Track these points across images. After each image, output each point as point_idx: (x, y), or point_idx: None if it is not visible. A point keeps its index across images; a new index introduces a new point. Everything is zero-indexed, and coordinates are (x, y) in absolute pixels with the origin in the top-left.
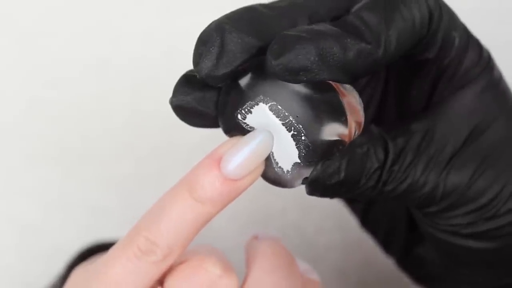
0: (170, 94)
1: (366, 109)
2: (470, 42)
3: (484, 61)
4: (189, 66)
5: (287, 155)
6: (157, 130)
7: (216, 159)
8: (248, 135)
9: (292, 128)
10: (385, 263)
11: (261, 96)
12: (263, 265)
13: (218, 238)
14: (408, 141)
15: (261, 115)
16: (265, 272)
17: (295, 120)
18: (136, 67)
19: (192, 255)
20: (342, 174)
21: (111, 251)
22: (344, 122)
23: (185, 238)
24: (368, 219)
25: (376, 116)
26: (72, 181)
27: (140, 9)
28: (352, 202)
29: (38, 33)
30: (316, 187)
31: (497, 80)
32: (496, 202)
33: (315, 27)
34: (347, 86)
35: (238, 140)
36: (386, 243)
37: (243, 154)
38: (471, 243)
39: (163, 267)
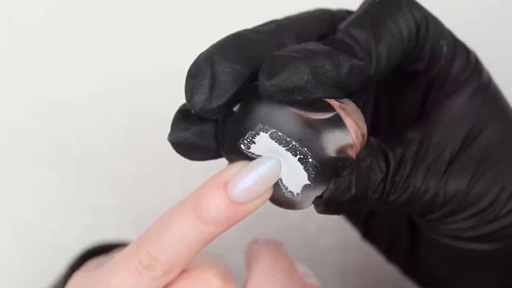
0: (170, 95)
1: None
2: (457, 47)
3: (472, 64)
4: (189, 66)
5: (297, 178)
6: (157, 130)
7: (223, 181)
8: (256, 160)
9: (298, 152)
10: (386, 264)
11: (260, 125)
12: (263, 270)
13: (219, 239)
14: (406, 150)
15: (264, 144)
16: (265, 277)
17: (298, 144)
18: (136, 67)
19: (192, 265)
20: (353, 190)
21: (113, 261)
22: (348, 136)
23: (186, 256)
24: (370, 230)
25: (369, 129)
26: (72, 181)
27: (140, 9)
28: (352, 216)
29: (38, 33)
30: (330, 206)
31: (486, 83)
32: (496, 204)
33: (305, 46)
34: (344, 99)
35: (245, 164)
36: (389, 252)
37: (250, 179)
38: (474, 246)
39: (163, 283)
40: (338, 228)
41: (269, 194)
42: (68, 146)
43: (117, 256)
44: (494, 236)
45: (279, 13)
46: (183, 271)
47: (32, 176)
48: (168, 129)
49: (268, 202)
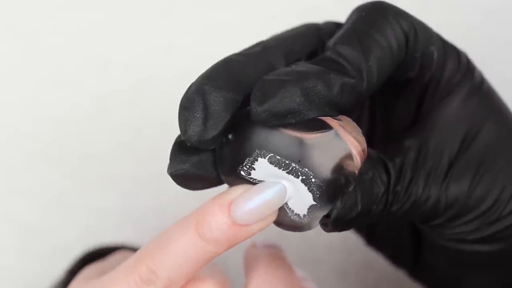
0: (170, 95)
1: None
2: (447, 50)
3: (463, 66)
4: (189, 66)
5: (302, 200)
6: (157, 130)
7: (227, 202)
8: (262, 184)
9: (299, 173)
10: (386, 264)
11: (257, 151)
12: (262, 278)
13: None
14: (405, 158)
15: (264, 169)
16: (264, 285)
17: (298, 165)
18: (136, 67)
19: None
20: (359, 206)
21: (113, 274)
22: (348, 152)
23: (186, 272)
24: (374, 237)
25: (366, 140)
26: (72, 182)
27: (140, 9)
28: None
29: (38, 33)
30: (339, 224)
31: (479, 83)
32: (498, 205)
33: (295, 68)
34: (340, 116)
35: (249, 187)
36: (395, 258)
37: (254, 203)
38: (478, 247)
39: None
40: None
41: (273, 217)
42: (68, 147)
43: (117, 269)
44: (497, 236)
45: (280, 13)
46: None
47: (32, 176)
48: (168, 130)
49: None
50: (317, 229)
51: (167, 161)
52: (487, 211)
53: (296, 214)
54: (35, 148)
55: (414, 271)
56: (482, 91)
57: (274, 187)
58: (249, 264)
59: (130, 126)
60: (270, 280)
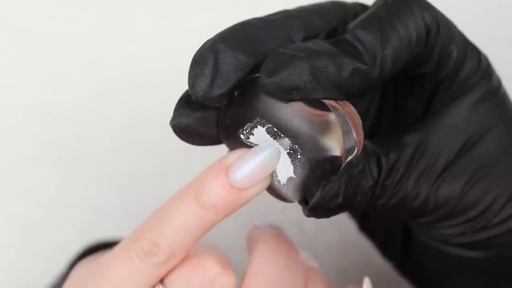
0: (168, 94)
1: (362, 121)
2: (468, 51)
3: (482, 69)
4: (188, 65)
5: (284, 169)
6: (156, 129)
7: (224, 167)
8: (256, 147)
9: (289, 147)
10: (383, 261)
11: (258, 119)
12: (264, 252)
13: (218, 238)
14: (400, 155)
15: (261, 136)
16: (266, 258)
17: (291, 141)
18: (135, 67)
19: (191, 253)
20: (340, 199)
21: (115, 249)
22: (340, 141)
23: (187, 242)
24: (366, 224)
25: (373, 128)
26: (71, 181)
27: (140, 8)
28: None
29: (38, 33)
30: (316, 212)
31: (495, 88)
32: (487, 214)
33: (310, 45)
34: (344, 102)
35: (246, 151)
36: (385, 248)
37: (251, 165)
38: (462, 252)
39: (165, 269)
40: (337, 226)
41: (268, 181)
42: (67, 146)
43: (119, 245)
44: (482, 245)
45: None
46: (183, 259)
47: (32, 176)
48: (167, 129)
49: (267, 201)
50: (316, 226)
51: (166, 160)
52: (476, 218)
53: (278, 180)
54: (34, 148)
55: (401, 265)
56: (495, 98)
57: (268, 149)
58: (251, 243)
59: (129, 125)
60: (272, 253)
